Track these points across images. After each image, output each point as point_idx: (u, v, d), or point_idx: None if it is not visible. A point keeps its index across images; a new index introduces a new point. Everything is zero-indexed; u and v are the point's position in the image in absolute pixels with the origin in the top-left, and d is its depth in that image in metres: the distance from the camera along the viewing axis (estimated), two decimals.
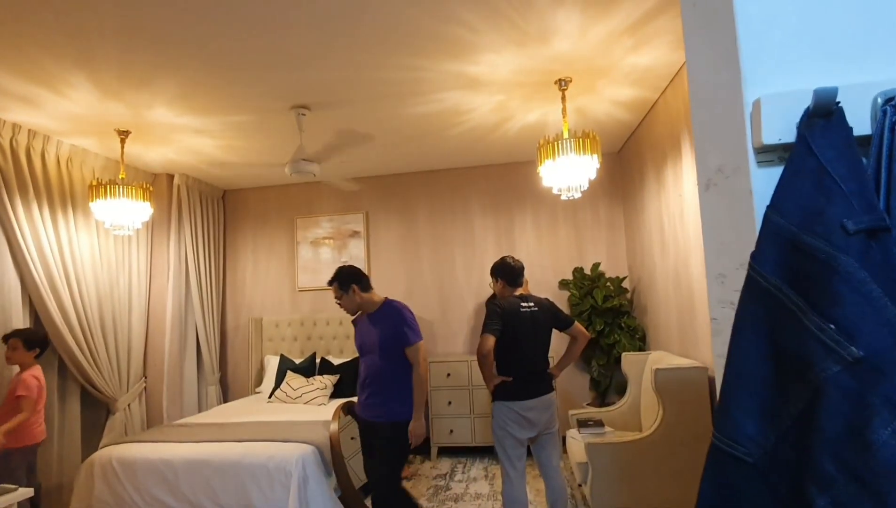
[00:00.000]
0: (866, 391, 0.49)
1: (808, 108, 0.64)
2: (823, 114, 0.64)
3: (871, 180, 0.60)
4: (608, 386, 4.15)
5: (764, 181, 0.69)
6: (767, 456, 0.57)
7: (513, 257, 2.72)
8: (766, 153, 0.69)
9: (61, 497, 3.37)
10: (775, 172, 0.67)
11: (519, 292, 2.64)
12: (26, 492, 1.92)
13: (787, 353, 0.57)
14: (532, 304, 2.61)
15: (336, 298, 2.59)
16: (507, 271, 2.64)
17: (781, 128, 0.67)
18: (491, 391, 2.56)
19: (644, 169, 3.82)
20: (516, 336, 2.51)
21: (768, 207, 0.63)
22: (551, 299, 2.73)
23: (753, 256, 0.63)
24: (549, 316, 2.63)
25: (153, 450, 2.85)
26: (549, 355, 2.74)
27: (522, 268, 2.70)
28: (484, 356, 2.44)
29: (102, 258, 3.87)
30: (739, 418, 0.59)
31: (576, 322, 2.68)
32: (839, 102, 0.63)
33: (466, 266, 4.66)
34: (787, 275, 0.59)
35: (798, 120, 0.66)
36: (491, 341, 2.44)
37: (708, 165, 0.81)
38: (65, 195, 3.59)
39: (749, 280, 0.62)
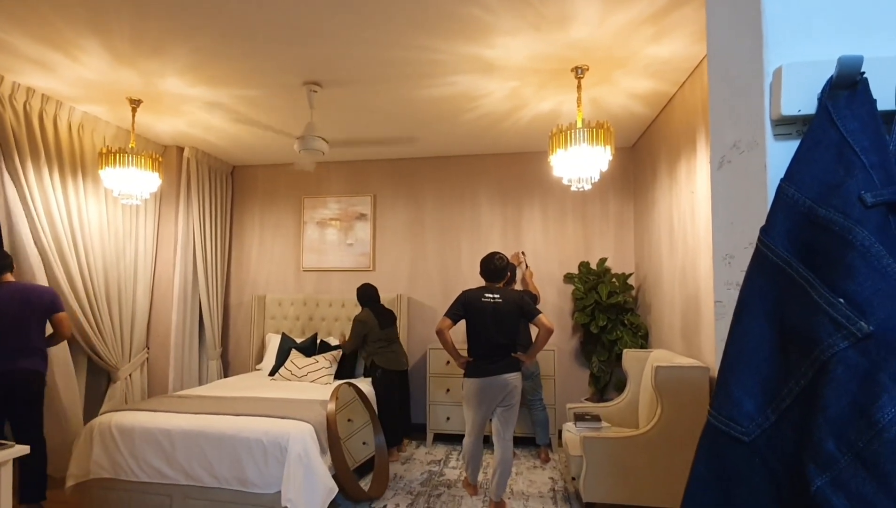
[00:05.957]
0: (875, 368, 0.47)
1: (832, 77, 0.61)
2: (847, 84, 0.61)
3: (893, 155, 0.57)
4: (608, 382, 4.12)
5: (780, 156, 0.66)
6: (765, 436, 0.55)
7: (500, 257, 2.93)
8: (784, 126, 0.66)
9: (62, 460, 3.42)
10: (792, 146, 0.64)
11: (517, 284, 2.74)
12: (22, 449, 1.94)
13: (793, 329, 0.54)
14: (497, 296, 2.84)
15: None
16: (484, 268, 2.94)
17: (802, 99, 0.63)
18: (460, 366, 2.93)
19: (657, 165, 3.76)
20: (476, 323, 2.81)
21: (782, 179, 0.60)
22: (535, 293, 2.74)
23: (763, 229, 0.60)
24: (513, 308, 2.83)
25: (152, 419, 2.87)
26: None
27: (503, 268, 2.92)
28: (437, 332, 2.84)
29: (110, 227, 3.89)
30: (739, 395, 0.57)
31: (540, 315, 2.83)
32: (864, 73, 0.60)
33: (471, 255, 4.61)
34: (798, 249, 0.56)
35: (819, 91, 0.63)
36: (446, 322, 2.80)
37: (723, 142, 0.78)
38: (75, 162, 3.60)
39: (757, 254, 0.60)
